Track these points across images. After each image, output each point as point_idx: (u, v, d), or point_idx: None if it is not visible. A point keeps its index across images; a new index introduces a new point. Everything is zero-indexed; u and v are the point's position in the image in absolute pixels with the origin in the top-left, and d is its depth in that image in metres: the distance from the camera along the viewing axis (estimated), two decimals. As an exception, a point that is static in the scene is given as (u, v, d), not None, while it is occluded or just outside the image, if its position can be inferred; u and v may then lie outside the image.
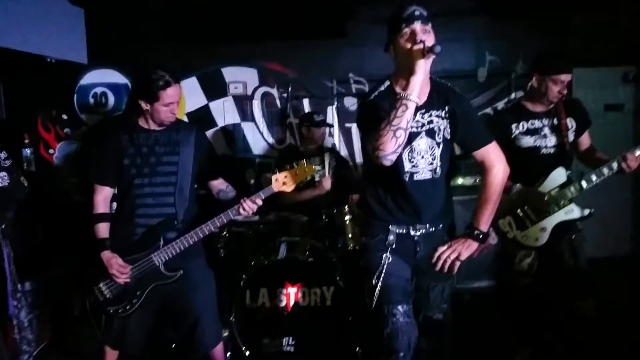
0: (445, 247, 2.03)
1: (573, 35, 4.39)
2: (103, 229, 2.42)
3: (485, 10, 4.32)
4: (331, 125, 4.30)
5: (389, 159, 1.80)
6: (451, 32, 4.30)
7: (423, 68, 1.77)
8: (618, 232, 4.67)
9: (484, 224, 2.02)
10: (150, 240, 2.42)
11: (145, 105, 2.36)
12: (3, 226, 2.28)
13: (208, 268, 2.63)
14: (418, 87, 1.77)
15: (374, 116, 1.87)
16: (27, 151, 4.09)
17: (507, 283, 2.88)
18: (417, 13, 1.85)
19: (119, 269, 2.35)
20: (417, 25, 1.83)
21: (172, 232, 2.44)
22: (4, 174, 2.25)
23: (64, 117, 4.49)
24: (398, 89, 1.91)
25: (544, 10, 4.29)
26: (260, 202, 2.43)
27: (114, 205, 2.58)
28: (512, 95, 4.45)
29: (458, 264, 2.02)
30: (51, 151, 4.49)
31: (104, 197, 2.46)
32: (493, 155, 2.04)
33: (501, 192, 2.07)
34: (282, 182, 2.44)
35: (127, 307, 2.42)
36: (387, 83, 2.02)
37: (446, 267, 2.02)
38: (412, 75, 1.77)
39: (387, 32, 1.97)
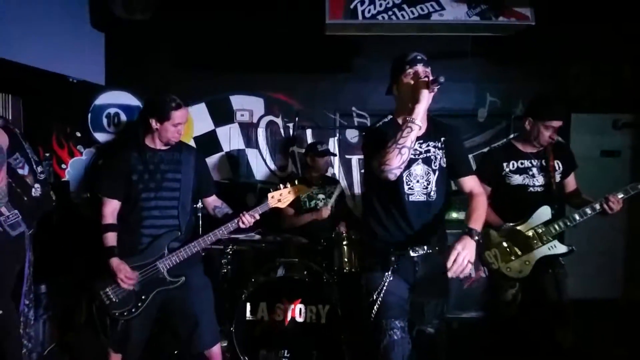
0: (455, 254, 2.01)
1: (572, 81, 4.61)
2: (111, 238, 2.60)
3: (488, 54, 4.55)
4: (335, 155, 4.44)
5: (393, 173, 2.03)
6: (454, 73, 4.48)
7: (427, 98, 2.03)
8: (610, 275, 4.77)
9: (478, 226, 2.13)
10: (155, 249, 2.61)
11: (155, 124, 2.61)
12: (30, 232, 2.45)
13: (205, 275, 2.81)
14: (422, 113, 2.04)
15: (379, 140, 2.12)
16: (46, 164, 4.25)
17: (493, 312, 3.03)
18: (419, 57, 2.17)
19: (127, 274, 2.53)
20: (420, 67, 2.14)
21: (175, 242, 2.64)
22: (38, 185, 2.45)
23: (78, 134, 4.65)
24: (400, 121, 2.16)
25: (545, 57, 4.52)
26: (257, 216, 2.62)
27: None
28: (511, 136, 4.57)
29: (470, 266, 2.04)
30: (63, 166, 4.63)
31: (112, 210, 2.65)
32: (476, 185, 2.29)
33: (485, 211, 2.24)
34: (277, 199, 2.64)
35: (133, 310, 2.58)
36: (390, 117, 2.31)
37: (462, 269, 2.01)
38: (416, 104, 2.03)
39: (391, 74, 2.26)
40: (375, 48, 4.41)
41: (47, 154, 4.35)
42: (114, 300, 2.57)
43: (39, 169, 2.50)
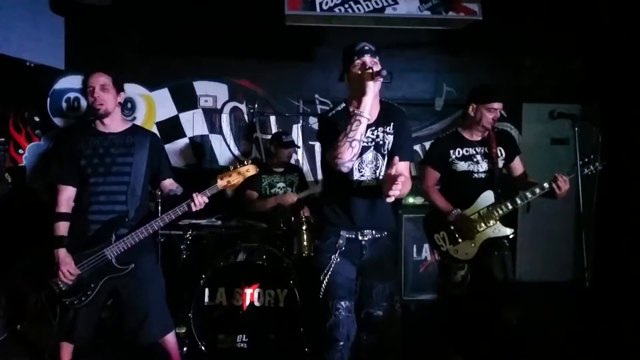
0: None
1: (524, 73, 4.84)
2: (62, 228, 2.58)
3: (445, 45, 4.68)
4: (298, 147, 4.49)
5: (346, 166, 2.11)
6: (413, 63, 4.70)
7: (372, 89, 2.10)
8: (561, 259, 4.98)
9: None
10: (103, 236, 2.58)
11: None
12: None
13: (157, 265, 2.83)
14: (369, 105, 2.10)
15: (332, 131, 2.17)
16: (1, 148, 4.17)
17: (443, 293, 3.15)
18: (366, 48, 2.22)
19: (70, 270, 2.50)
20: (367, 58, 2.20)
21: (123, 229, 2.61)
22: None
23: (36, 119, 4.57)
24: (351, 109, 2.21)
25: (498, 50, 4.68)
26: (206, 199, 2.58)
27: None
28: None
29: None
30: (21, 151, 4.55)
31: (67, 197, 2.62)
32: (406, 171, 2.30)
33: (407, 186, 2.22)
34: (226, 180, 2.63)
35: (83, 299, 2.56)
36: (343, 105, 2.35)
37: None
38: (363, 96, 2.09)
39: (342, 63, 2.31)
40: (338, 38, 4.43)
41: (3, 139, 4.26)
42: (63, 288, 2.54)
43: None
